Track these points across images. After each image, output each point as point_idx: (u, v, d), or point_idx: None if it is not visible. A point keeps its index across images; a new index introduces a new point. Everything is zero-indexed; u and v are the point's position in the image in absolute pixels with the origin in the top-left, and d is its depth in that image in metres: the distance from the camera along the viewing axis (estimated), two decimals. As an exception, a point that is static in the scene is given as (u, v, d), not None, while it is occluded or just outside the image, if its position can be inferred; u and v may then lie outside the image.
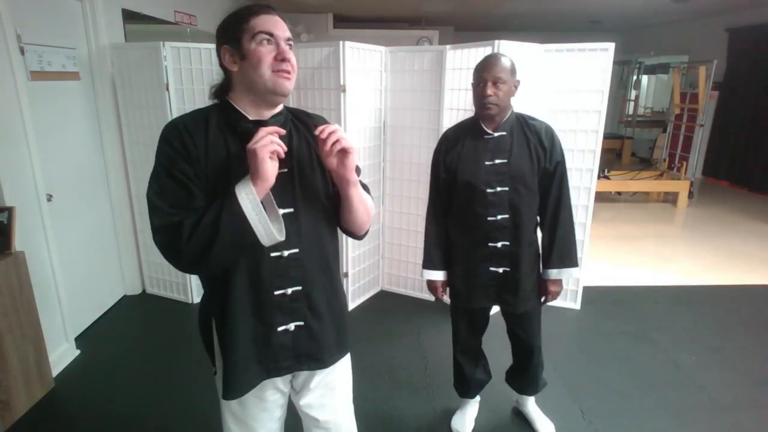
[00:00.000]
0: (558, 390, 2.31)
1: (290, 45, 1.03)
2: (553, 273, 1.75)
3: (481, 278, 1.75)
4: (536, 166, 1.67)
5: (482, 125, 1.67)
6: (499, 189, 1.66)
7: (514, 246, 1.70)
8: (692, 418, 2.14)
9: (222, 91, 1.07)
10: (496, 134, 1.66)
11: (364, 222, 1.17)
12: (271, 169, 0.95)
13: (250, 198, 0.94)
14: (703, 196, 6.40)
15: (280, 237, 0.99)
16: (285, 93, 1.03)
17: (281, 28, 1.01)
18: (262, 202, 0.96)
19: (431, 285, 1.85)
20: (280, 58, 1.00)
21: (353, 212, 1.12)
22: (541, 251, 1.79)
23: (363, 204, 1.13)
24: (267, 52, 0.99)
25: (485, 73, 1.60)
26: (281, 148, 0.96)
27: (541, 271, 1.81)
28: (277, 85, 1.00)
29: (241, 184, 0.96)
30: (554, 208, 1.72)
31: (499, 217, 1.67)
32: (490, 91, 1.58)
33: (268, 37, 0.99)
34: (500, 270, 1.73)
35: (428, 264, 1.83)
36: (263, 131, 0.95)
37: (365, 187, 1.22)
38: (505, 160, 1.65)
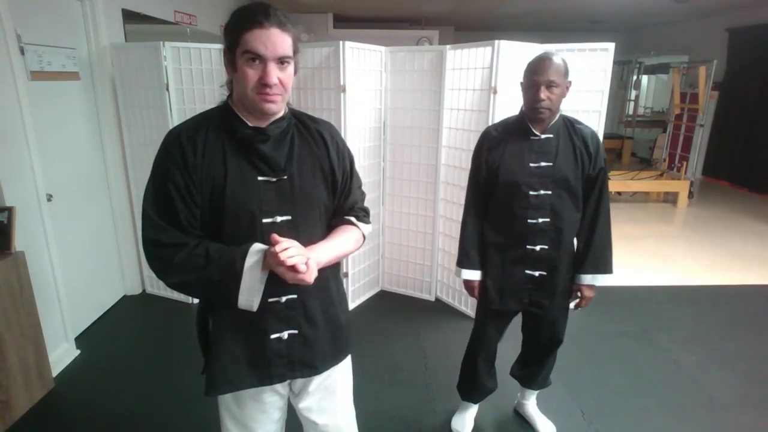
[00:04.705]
0: (558, 390, 2.31)
1: (286, 62, 0.98)
2: (587, 278, 1.72)
3: (515, 280, 1.72)
4: (581, 171, 1.64)
5: (529, 126, 1.64)
6: (542, 192, 1.63)
7: (553, 250, 1.67)
8: (692, 418, 2.14)
9: (231, 86, 1.07)
10: (542, 136, 1.63)
11: (345, 257, 1.20)
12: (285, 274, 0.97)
13: (252, 283, 0.99)
14: (703, 196, 6.40)
15: (255, 309, 1.03)
16: (269, 113, 1.02)
17: (272, 46, 0.95)
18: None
19: (468, 284, 1.81)
20: (263, 81, 0.96)
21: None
22: (575, 254, 1.76)
23: (340, 258, 1.15)
24: (253, 74, 0.96)
25: (538, 76, 1.54)
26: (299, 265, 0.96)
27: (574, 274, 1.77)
28: (259, 107, 0.99)
29: (251, 268, 0.98)
30: (593, 214, 1.69)
31: (540, 220, 1.64)
32: (543, 95, 1.54)
33: (254, 56, 0.95)
34: (536, 273, 1.70)
35: (466, 263, 1.78)
36: (293, 249, 0.96)
37: (365, 213, 1.22)
38: (551, 164, 1.62)
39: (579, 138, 1.65)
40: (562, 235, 1.66)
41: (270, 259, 0.97)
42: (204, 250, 0.99)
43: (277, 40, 0.96)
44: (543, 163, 1.62)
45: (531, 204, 1.64)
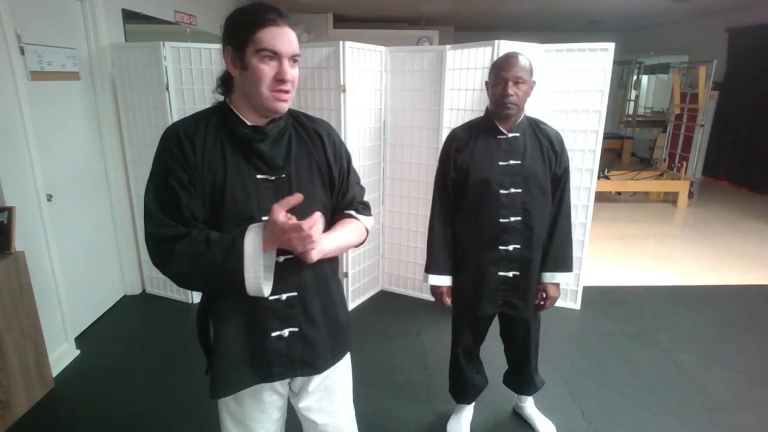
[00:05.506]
0: (558, 390, 2.31)
1: (296, 60, 1.01)
2: (547, 276, 1.74)
3: (489, 282, 1.71)
4: (548, 169, 1.66)
5: (497, 124, 1.64)
6: (512, 190, 1.63)
7: (526, 249, 1.67)
8: (692, 418, 2.14)
9: (225, 86, 1.07)
10: (510, 135, 1.64)
11: (350, 248, 1.20)
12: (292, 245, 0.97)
13: (255, 260, 0.97)
14: (703, 196, 6.40)
15: (266, 293, 1.01)
16: (280, 113, 1.03)
17: (287, 43, 0.98)
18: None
19: (436, 290, 1.79)
20: (279, 77, 0.98)
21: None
22: None
23: (345, 249, 1.15)
24: (268, 71, 0.97)
25: (505, 72, 1.55)
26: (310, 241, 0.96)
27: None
28: (273, 106, 1.00)
29: (251, 241, 0.96)
30: (555, 213, 1.72)
31: (512, 219, 1.64)
32: (511, 90, 1.55)
33: (271, 54, 0.97)
34: (510, 274, 1.70)
35: (434, 268, 1.76)
36: (311, 228, 0.94)
37: (365, 206, 1.23)
38: (519, 162, 1.63)
39: (545, 137, 1.67)
40: (534, 234, 1.67)
41: (277, 214, 0.93)
42: (205, 236, 0.99)
43: (291, 38, 0.99)
44: (512, 162, 1.63)
45: (502, 203, 1.63)
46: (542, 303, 1.79)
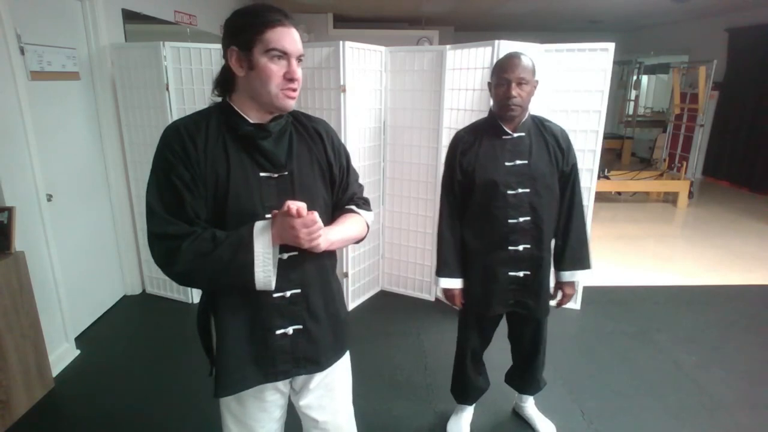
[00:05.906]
0: (558, 390, 2.31)
1: (301, 60, 1.03)
2: (566, 275, 1.74)
3: (499, 283, 1.70)
4: (555, 167, 1.66)
5: (501, 125, 1.64)
6: (520, 190, 1.62)
7: (536, 249, 1.67)
8: (692, 418, 2.14)
9: (224, 86, 1.07)
10: (515, 135, 1.63)
11: (353, 241, 1.21)
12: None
13: (265, 255, 0.99)
14: (703, 196, 6.40)
15: (273, 286, 1.02)
16: (288, 110, 1.06)
17: (295, 43, 1.00)
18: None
19: (449, 293, 1.79)
20: (289, 77, 1.00)
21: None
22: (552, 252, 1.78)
23: (348, 241, 1.18)
24: (277, 70, 0.99)
25: (508, 74, 1.55)
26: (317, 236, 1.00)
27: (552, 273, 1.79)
28: (282, 103, 1.02)
29: (260, 237, 0.98)
30: (568, 210, 1.72)
31: (521, 219, 1.64)
32: (514, 92, 1.54)
33: (280, 53, 0.99)
34: (521, 274, 1.69)
35: (446, 271, 1.75)
36: (317, 225, 0.98)
37: (365, 201, 1.24)
38: (526, 161, 1.62)
39: (550, 135, 1.66)
40: (543, 233, 1.67)
41: (287, 213, 0.95)
42: (210, 234, 0.99)
43: (297, 38, 1.01)
44: (518, 162, 1.63)
45: (510, 203, 1.63)
46: (560, 301, 1.79)
